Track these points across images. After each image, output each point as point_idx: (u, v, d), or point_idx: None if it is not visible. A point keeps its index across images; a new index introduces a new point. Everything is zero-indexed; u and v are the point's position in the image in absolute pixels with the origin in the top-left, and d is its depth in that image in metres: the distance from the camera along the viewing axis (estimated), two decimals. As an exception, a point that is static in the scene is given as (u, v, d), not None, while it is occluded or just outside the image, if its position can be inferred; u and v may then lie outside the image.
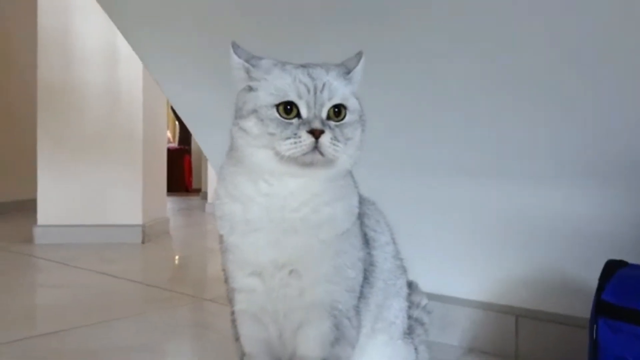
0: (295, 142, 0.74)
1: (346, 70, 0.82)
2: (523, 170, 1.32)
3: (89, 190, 3.21)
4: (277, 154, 0.74)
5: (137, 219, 3.24)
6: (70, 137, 3.21)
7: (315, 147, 0.73)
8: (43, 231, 3.16)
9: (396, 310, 0.94)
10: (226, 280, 0.87)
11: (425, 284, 1.19)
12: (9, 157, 4.80)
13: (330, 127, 0.75)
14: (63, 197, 3.20)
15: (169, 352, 1.50)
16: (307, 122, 0.75)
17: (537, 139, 1.25)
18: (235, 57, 0.81)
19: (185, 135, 8.57)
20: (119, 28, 1.91)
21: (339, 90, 0.78)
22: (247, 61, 0.80)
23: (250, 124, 0.77)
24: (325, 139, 0.73)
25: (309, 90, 0.76)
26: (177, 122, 8.66)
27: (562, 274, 1.33)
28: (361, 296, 0.86)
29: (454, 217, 1.44)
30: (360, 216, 0.87)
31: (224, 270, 0.87)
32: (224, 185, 0.83)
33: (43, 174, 3.20)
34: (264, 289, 0.82)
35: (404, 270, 0.99)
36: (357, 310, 0.85)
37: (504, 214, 1.37)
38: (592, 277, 1.05)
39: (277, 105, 0.76)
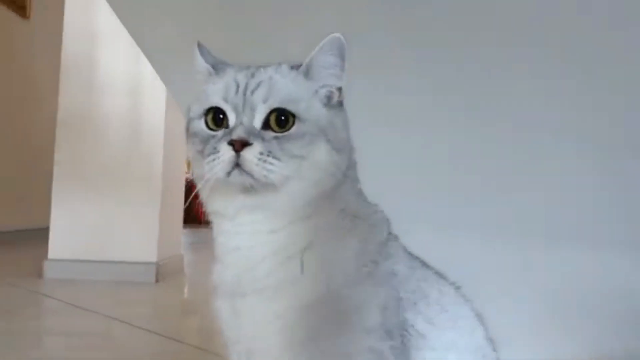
0: (214, 159, 0.57)
1: (299, 65, 0.63)
2: (589, 236, 1.17)
3: (104, 223, 3.08)
4: (205, 180, 0.58)
5: (151, 256, 3.10)
6: (87, 167, 3.11)
7: (239, 165, 0.56)
8: (53, 266, 3.02)
9: None
10: None
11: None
12: (25, 185, 4.73)
13: (263, 138, 0.57)
14: (76, 230, 3.08)
15: None
16: (230, 131, 0.58)
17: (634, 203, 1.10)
18: (200, 59, 0.65)
19: (199, 165, 8.52)
20: (146, 55, 1.79)
21: (284, 90, 0.60)
22: (212, 65, 0.64)
23: (187, 144, 0.63)
24: (248, 153, 0.56)
25: (237, 90, 0.60)
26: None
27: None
28: None
29: (526, 284, 1.27)
30: (408, 294, 0.63)
31: None
32: None
33: (57, 206, 3.09)
34: None
35: None
36: None
37: (580, 284, 1.21)
38: None
39: (206, 115, 0.61)
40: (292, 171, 0.58)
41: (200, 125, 0.61)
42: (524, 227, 1.19)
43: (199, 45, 0.66)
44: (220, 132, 0.59)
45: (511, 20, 1.04)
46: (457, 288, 0.71)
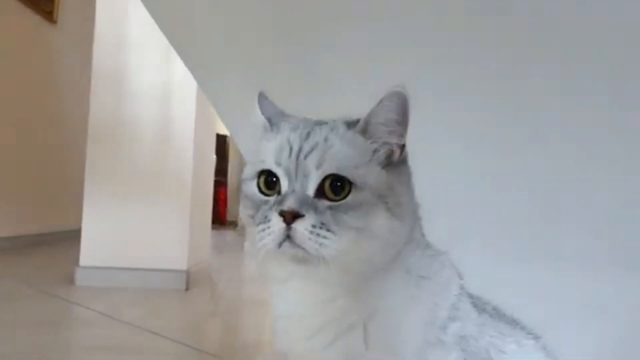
0: (264, 230, 0.54)
1: (356, 122, 0.58)
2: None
3: (134, 230, 3.09)
4: (258, 251, 0.54)
5: (182, 264, 3.10)
6: (118, 173, 3.11)
7: (290, 237, 0.52)
8: (85, 273, 3.04)
9: None
10: None
11: None
12: (57, 189, 4.79)
13: (316, 209, 0.53)
14: (107, 237, 3.09)
15: None
16: (281, 200, 0.54)
17: None
18: (258, 111, 0.61)
19: (221, 167, 8.56)
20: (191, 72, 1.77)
21: (340, 154, 0.55)
22: (269, 119, 0.60)
23: (240, 206, 0.59)
24: (300, 226, 0.52)
25: (291, 153, 0.55)
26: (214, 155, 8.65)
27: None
28: None
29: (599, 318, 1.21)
30: (484, 353, 0.59)
31: None
32: None
33: (88, 212, 3.10)
34: None
35: None
36: None
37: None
38: None
39: (258, 178, 0.57)
40: (347, 245, 0.53)
41: (252, 188, 0.58)
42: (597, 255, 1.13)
43: (260, 96, 0.62)
44: (272, 198, 0.55)
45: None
46: (537, 338, 0.66)
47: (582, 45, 0.99)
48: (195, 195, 3.20)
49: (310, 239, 0.52)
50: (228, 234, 6.67)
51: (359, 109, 0.60)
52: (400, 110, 0.57)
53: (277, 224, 0.52)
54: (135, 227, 3.08)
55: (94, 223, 3.09)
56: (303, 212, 0.52)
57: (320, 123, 0.59)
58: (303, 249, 0.52)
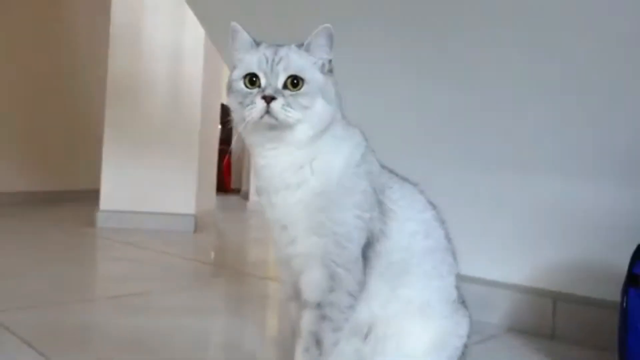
0: (251, 108, 0.84)
1: (302, 44, 0.90)
2: (566, 168, 1.47)
3: (149, 179, 3.43)
4: (246, 122, 0.85)
5: (190, 209, 3.46)
6: (134, 128, 3.44)
7: (268, 112, 0.83)
8: (105, 216, 3.40)
9: (419, 290, 0.94)
10: None
11: (471, 268, 1.32)
12: (77, 148, 5.07)
13: (283, 95, 0.84)
14: (124, 185, 3.43)
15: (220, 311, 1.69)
16: (263, 90, 0.85)
17: (582, 140, 1.39)
18: (246, 34, 0.93)
19: (225, 135, 8.82)
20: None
21: (295, 63, 0.87)
22: (253, 39, 0.93)
23: (230, 98, 0.91)
24: (275, 105, 0.83)
25: (267, 63, 0.87)
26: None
27: (595, 262, 1.46)
28: (367, 257, 0.91)
29: (496, 209, 1.59)
30: (380, 185, 0.95)
31: None
32: None
33: (107, 163, 3.45)
34: (277, 240, 0.95)
35: (446, 255, 1.00)
36: (362, 263, 0.90)
37: (542, 206, 1.52)
38: (623, 264, 1.14)
39: (244, 77, 0.88)
40: (301, 116, 0.86)
41: (240, 85, 0.90)
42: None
43: (239, 26, 0.94)
44: (255, 90, 0.88)
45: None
46: (415, 185, 1.03)
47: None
48: (202, 148, 3.54)
49: (280, 112, 0.84)
50: (232, 199, 7.03)
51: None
52: (328, 37, 0.90)
53: (260, 103, 0.84)
54: (149, 175, 3.43)
55: (113, 173, 3.44)
56: (277, 96, 0.84)
57: (282, 45, 0.91)
58: (276, 118, 0.84)
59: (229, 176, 8.69)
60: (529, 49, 1.35)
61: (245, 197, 6.24)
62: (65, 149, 5.05)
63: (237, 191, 8.04)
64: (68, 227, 3.38)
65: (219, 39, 2.16)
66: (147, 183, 3.43)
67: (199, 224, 3.48)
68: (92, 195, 3.76)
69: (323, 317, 0.89)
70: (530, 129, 1.48)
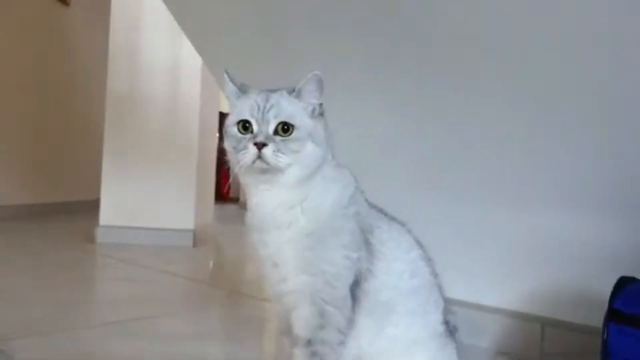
0: (244, 153, 0.88)
1: (293, 90, 0.93)
2: (549, 200, 1.51)
3: (148, 195, 3.49)
4: (240, 166, 0.89)
5: (189, 224, 3.51)
6: (134, 144, 3.50)
7: (260, 157, 0.87)
8: (104, 231, 3.45)
9: (404, 328, 0.98)
10: None
11: (461, 293, 1.36)
12: (78, 161, 5.14)
13: (274, 141, 0.88)
14: (124, 200, 3.49)
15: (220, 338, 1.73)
16: (255, 136, 0.89)
17: (565, 173, 1.44)
18: (230, 83, 0.98)
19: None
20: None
21: (285, 110, 0.91)
22: (239, 88, 0.98)
23: (225, 142, 0.95)
24: (267, 150, 0.87)
25: (259, 110, 0.91)
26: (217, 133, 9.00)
27: (581, 289, 1.50)
28: (355, 296, 0.94)
29: (484, 237, 1.64)
30: (368, 225, 0.98)
31: None
32: None
33: (106, 178, 3.50)
34: (269, 277, 0.99)
35: (432, 292, 1.02)
36: (351, 302, 0.94)
37: (527, 236, 1.56)
38: (606, 292, 1.18)
39: (238, 123, 0.93)
40: (292, 160, 0.90)
41: (234, 130, 0.94)
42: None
43: (227, 73, 0.99)
44: (248, 136, 0.92)
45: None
46: (403, 224, 1.07)
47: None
48: (200, 163, 3.59)
49: (271, 157, 0.87)
50: (230, 208, 7.06)
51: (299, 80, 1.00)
52: (318, 85, 0.94)
53: (252, 149, 0.88)
54: (148, 190, 3.48)
55: (112, 188, 3.49)
56: (268, 142, 0.88)
57: (272, 91, 0.94)
58: (268, 163, 0.88)
59: (227, 185, 8.77)
60: (512, 88, 1.40)
61: (244, 206, 6.25)
62: (64, 161, 5.11)
63: (235, 200, 8.12)
64: (68, 243, 3.41)
65: (217, 70, 2.21)
66: (146, 199, 3.48)
67: (197, 238, 3.53)
68: (91, 206, 3.80)
69: (314, 354, 0.93)
70: (513, 163, 1.52)
